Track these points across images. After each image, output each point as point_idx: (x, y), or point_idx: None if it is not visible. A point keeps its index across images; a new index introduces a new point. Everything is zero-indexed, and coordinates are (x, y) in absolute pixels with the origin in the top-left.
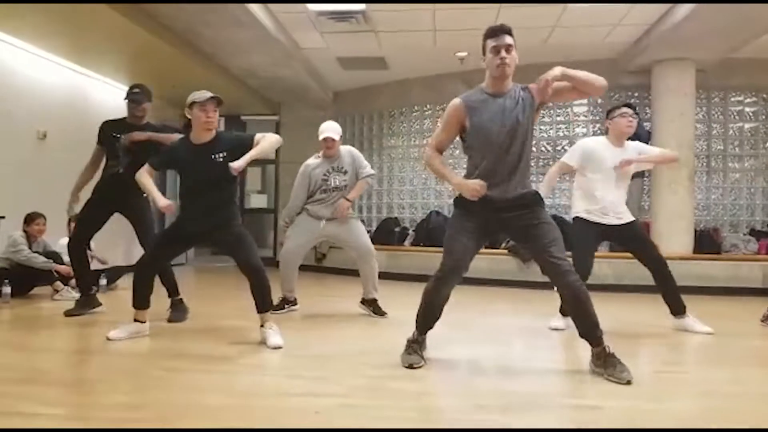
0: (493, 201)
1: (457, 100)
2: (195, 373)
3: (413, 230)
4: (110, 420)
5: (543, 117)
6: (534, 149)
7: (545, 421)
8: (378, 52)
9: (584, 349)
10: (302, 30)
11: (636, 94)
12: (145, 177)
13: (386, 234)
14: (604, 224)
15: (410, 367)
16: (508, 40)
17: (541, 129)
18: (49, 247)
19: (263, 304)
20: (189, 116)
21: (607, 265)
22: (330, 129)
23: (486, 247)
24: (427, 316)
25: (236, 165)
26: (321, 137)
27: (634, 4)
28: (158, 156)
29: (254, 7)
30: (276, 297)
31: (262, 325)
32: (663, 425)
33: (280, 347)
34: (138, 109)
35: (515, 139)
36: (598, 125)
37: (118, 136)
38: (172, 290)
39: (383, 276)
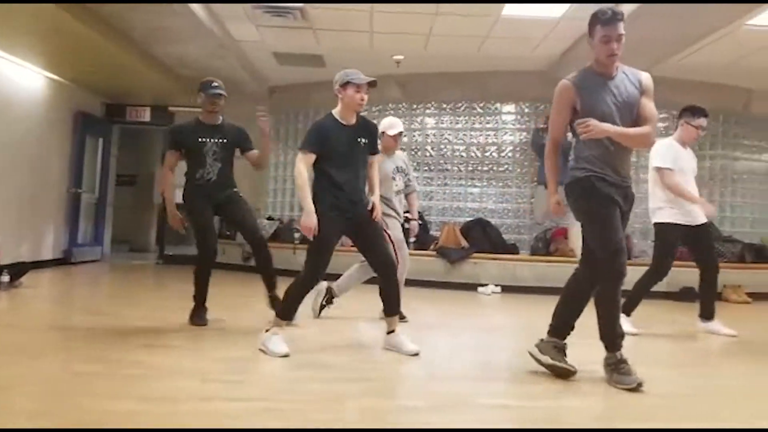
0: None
1: (565, 81)
2: (106, 378)
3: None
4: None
5: (473, 123)
6: (464, 154)
7: (467, 421)
8: (315, 49)
9: (505, 351)
10: (237, 22)
11: None
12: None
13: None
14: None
15: (636, 388)
16: (621, 28)
17: (471, 135)
18: None
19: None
20: (339, 95)
21: (528, 268)
22: (400, 124)
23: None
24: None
25: None
26: (393, 132)
27: (562, 17)
28: (312, 138)
29: None
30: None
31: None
32: (582, 424)
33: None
34: (219, 106)
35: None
36: (524, 133)
37: (205, 140)
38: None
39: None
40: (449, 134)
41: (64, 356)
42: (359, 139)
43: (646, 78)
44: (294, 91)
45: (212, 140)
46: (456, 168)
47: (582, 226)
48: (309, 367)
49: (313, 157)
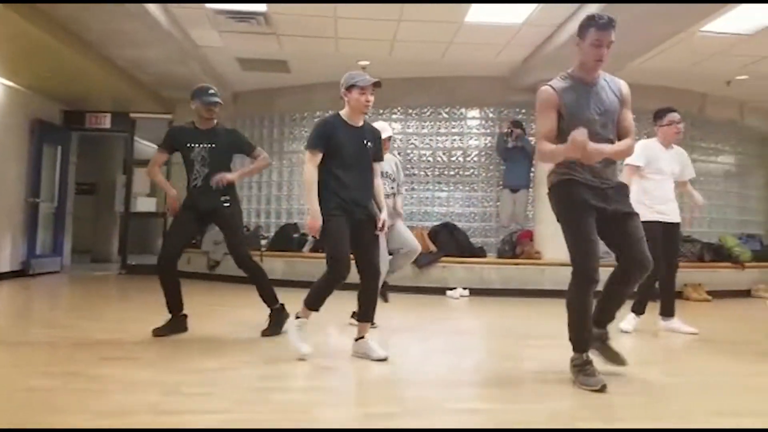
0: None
1: (547, 88)
2: (63, 393)
3: (312, 236)
4: None
5: (439, 128)
6: (430, 159)
7: (436, 426)
8: (279, 54)
9: (474, 354)
10: (199, 27)
11: (524, 111)
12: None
13: (284, 240)
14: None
15: (601, 389)
16: (613, 36)
17: (437, 140)
18: None
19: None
20: (344, 97)
21: (495, 271)
22: (389, 128)
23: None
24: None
25: None
26: (383, 135)
27: (524, 25)
28: (316, 135)
29: None
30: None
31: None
32: (550, 425)
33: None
34: (215, 113)
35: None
36: (489, 138)
37: (193, 145)
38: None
39: (279, 284)
40: (416, 139)
41: (20, 371)
42: (366, 142)
43: (625, 87)
44: (258, 97)
45: (200, 145)
46: (423, 173)
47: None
48: (275, 377)
49: (320, 155)
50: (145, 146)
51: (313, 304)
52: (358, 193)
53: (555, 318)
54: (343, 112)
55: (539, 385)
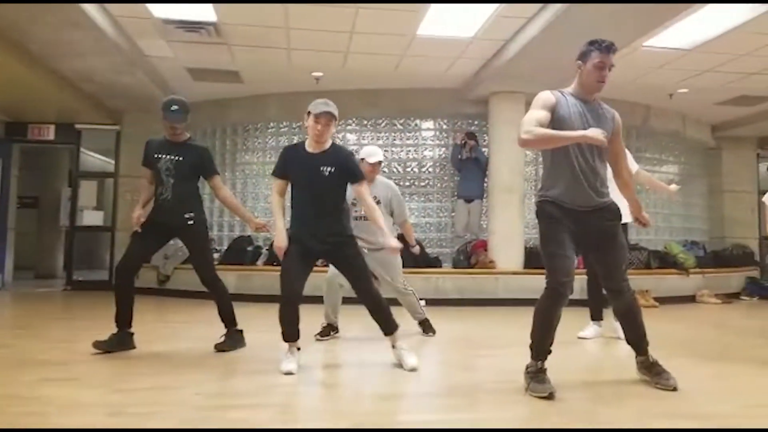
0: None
1: (546, 91)
2: (1, 416)
3: (267, 249)
4: None
5: (394, 139)
6: (385, 170)
7: None
8: (231, 65)
9: (428, 365)
10: (146, 37)
11: (476, 122)
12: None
13: (238, 253)
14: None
15: (549, 397)
16: (613, 60)
17: (392, 151)
18: None
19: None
20: (306, 123)
21: (451, 281)
22: (380, 152)
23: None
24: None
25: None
26: (372, 160)
27: (476, 38)
28: (278, 162)
29: (90, 9)
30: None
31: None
32: None
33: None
34: (180, 129)
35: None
36: (443, 149)
37: (160, 156)
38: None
39: (233, 298)
40: None
41: None
42: (324, 169)
43: (618, 117)
44: (210, 107)
45: (167, 156)
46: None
47: None
48: (224, 395)
49: (279, 182)
50: (92, 158)
51: (286, 336)
52: (311, 222)
53: (509, 326)
54: (307, 140)
55: (493, 394)
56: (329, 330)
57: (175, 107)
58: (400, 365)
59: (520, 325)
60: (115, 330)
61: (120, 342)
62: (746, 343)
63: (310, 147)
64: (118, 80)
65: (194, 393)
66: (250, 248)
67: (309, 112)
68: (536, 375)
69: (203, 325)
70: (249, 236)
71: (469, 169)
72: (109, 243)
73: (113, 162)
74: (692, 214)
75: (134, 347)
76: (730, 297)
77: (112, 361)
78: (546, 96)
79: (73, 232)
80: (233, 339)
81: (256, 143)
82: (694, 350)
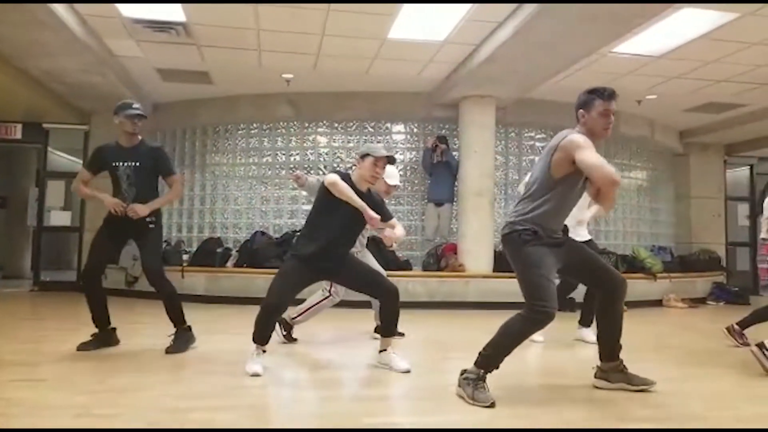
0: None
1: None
2: None
3: (236, 251)
4: None
5: (364, 142)
6: None
7: None
8: (201, 66)
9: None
10: (115, 37)
11: (447, 126)
12: None
13: (207, 255)
14: None
15: (492, 406)
16: (615, 105)
17: None
18: None
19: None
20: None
21: (421, 284)
22: (397, 176)
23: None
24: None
25: None
26: (391, 182)
27: (448, 42)
28: None
29: (60, 9)
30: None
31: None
32: None
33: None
34: (137, 127)
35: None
36: (414, 152)
37: (118, 164)
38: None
39: (202, 300)
40: (342, 153)
41: None
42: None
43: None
44: (180, 108)
45: (125, 164)
46: None
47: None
48: (191, 396)
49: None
50: (60, 157)
51: (258, 336)
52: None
53: (479, 330)
54: (354, 176)
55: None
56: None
57: (135, 105)
58: (374, 367)
59: (490, 328)
60: (95, 330)
61: (103, 340)
62: (711, 348)
63: (358, 185)
64: (87, 80)
65: (161, 394)
66: (219, 250)
67: (365, 155)
68: (477, 383)
69: (171, 326)
70: (218, 238)
71: (440, 173)
72: (77, 243)
73: (81, 162)
74: (659, 219)
75: (119, 342)
76: (697, 302)
77: (80, 363)
78: (585, 139)
79: (41, 233)
80: (183, 339)
81: (227, 144)
82: (661, 354)
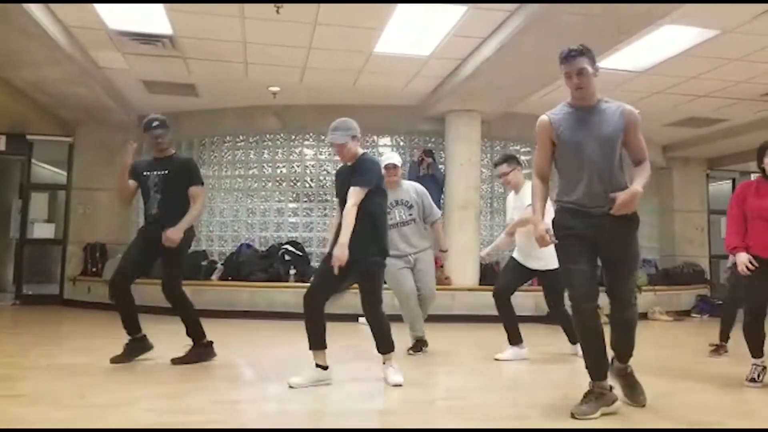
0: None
1: (542, 116)
2: None
3: (222, 264)
4: None
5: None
6: None
7: None
8: (187, 78)
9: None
10: (100, 48)
11: (433, 140)
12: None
13: (192, 268)
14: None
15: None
16: (580, 63)
17: None
18: None
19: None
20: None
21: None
22: (394, 156)
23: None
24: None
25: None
26: (384, 161)
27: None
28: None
29: (44, 19)
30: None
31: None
32: None
33: None
34: (164, 144)
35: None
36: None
37: (148, 173)
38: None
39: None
40: (328, 165)
41: None
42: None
43: (629, 112)
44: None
45: (155, 173)
46: (336, 199)
47: None
48: (175, 411)
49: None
50: (44, 169)
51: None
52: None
53: (463, 343)
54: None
55: (446, 411)
56: (420, 345)
57: (156, 123)
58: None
59: (474, 341)
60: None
61: (135, 349)
62: (696, 360)
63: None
64: (72, 91)
65: (145, 409)
66: (204, 263)
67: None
68: (601, 396)
69: (158, 341)
70: (204, 251)
71: (426, 186)
72: (60, 256)
73: (65, 174)
74: (643, 232)
75: (152, 347)
76: (681, 314)
77: (60, 378)
78: (540, 126)
79: (23, 245)
80: (197, 355)
81: (213, 157)
82: (645, 367)
